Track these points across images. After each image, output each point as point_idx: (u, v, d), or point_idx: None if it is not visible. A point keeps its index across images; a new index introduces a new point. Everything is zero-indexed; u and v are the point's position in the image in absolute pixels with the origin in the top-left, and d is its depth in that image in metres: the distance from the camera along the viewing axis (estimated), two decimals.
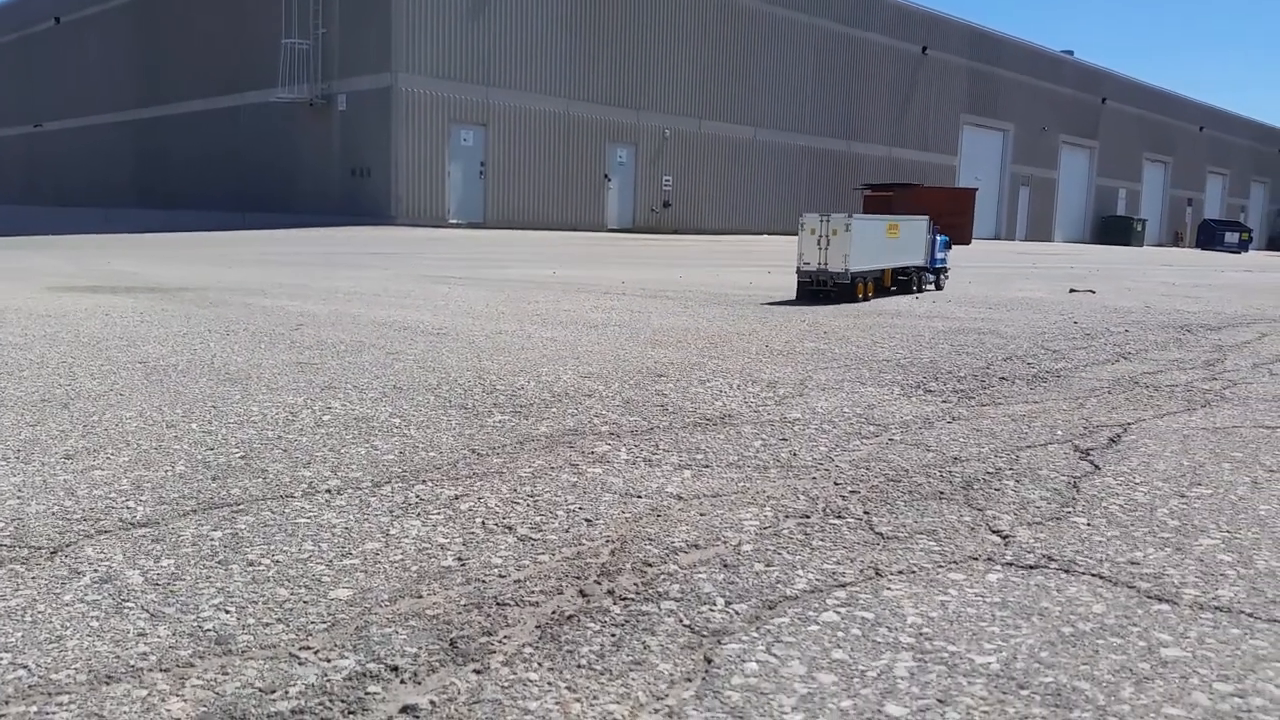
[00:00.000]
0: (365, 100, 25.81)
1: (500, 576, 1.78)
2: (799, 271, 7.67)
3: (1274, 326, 6.56)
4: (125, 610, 1.60)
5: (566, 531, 2.03)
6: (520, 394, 3.47)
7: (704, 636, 1.54)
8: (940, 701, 1.35)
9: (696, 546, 1.95)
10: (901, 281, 8.49)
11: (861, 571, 1.83)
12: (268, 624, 1.56)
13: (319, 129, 27.30)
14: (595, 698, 1.35)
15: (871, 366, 4.28)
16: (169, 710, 1.30)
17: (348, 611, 1.61)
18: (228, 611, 1.61)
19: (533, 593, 1.70)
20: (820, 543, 1.98)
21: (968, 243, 26.56)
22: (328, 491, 2.27)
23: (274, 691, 1.35)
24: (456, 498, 2.25)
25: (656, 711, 1.31)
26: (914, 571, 1.84)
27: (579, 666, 1.44)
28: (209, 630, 1.54)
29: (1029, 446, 2.85)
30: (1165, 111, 54.87)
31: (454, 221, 26.34)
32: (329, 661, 1.44)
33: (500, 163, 27.33)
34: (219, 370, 3.83)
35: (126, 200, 34.86)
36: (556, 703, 1.33)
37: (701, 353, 4.58)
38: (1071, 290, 9.83)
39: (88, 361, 3.97)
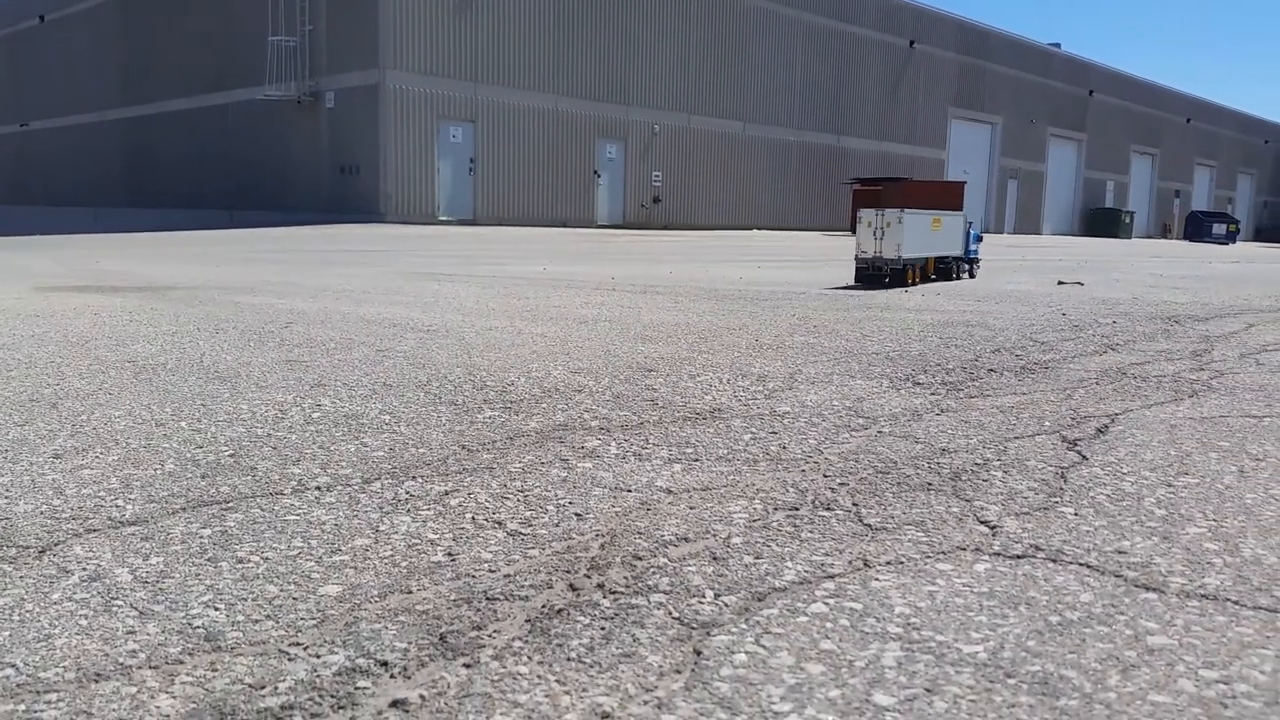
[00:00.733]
0: (353, 97, 25.74)
1: (490, 571, 1.78)
2: (856, 259, 8.75)
3: (1261, 317, 6.59)
4: (114, 608, 1.60)
5: (556, 526, 2.03)
6: (510, 390, 3.47)
7: (693, 629, 1.55)
8: (928, 691, 1.36)
9: (686, 539, 1.95)
10: (941, 270, 9.56)
11: (850, 563, 1.84)
12: (257, 621, 1.56)
13: (307, 126, 27.22)
14: (584, 690, 1.35)
15: (860, 360, 4.29)
16: (158, 707, 1.30)
17: (337, 608, 1.62)
18: (217, 609, 1.61)
19: (522, 587, 1.70)
20: (809, 535, 1.99)
21: None
22: (317, 488, 2.27)
23: (263, 688, 1.35)
24: (446, 493, 2.25)
25: (645, 703, 1.32)
26: (902, 562, 1.85)
27: (568, 659, 1.44)
28: (198, 627, 1.53)
29: (1017, 438, 2.86)
30: (1152, 104, 55.05)
31: (444, 218, 26.29)
32: (318, 657, 1.44)
33: (489, 159, 27.29)
34: (208, 369, 3.82)
35: (115, 199, 34.72)
36: (546, 695, 1.34)
37: (692, 347, 4.59)
38: (1060, 282, 9.86)
39: (76, 361, 3.95)
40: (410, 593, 1.68)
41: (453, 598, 1.66)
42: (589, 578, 1.75)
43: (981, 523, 2.08)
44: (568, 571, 1.78)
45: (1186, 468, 2.56)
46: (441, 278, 8.89)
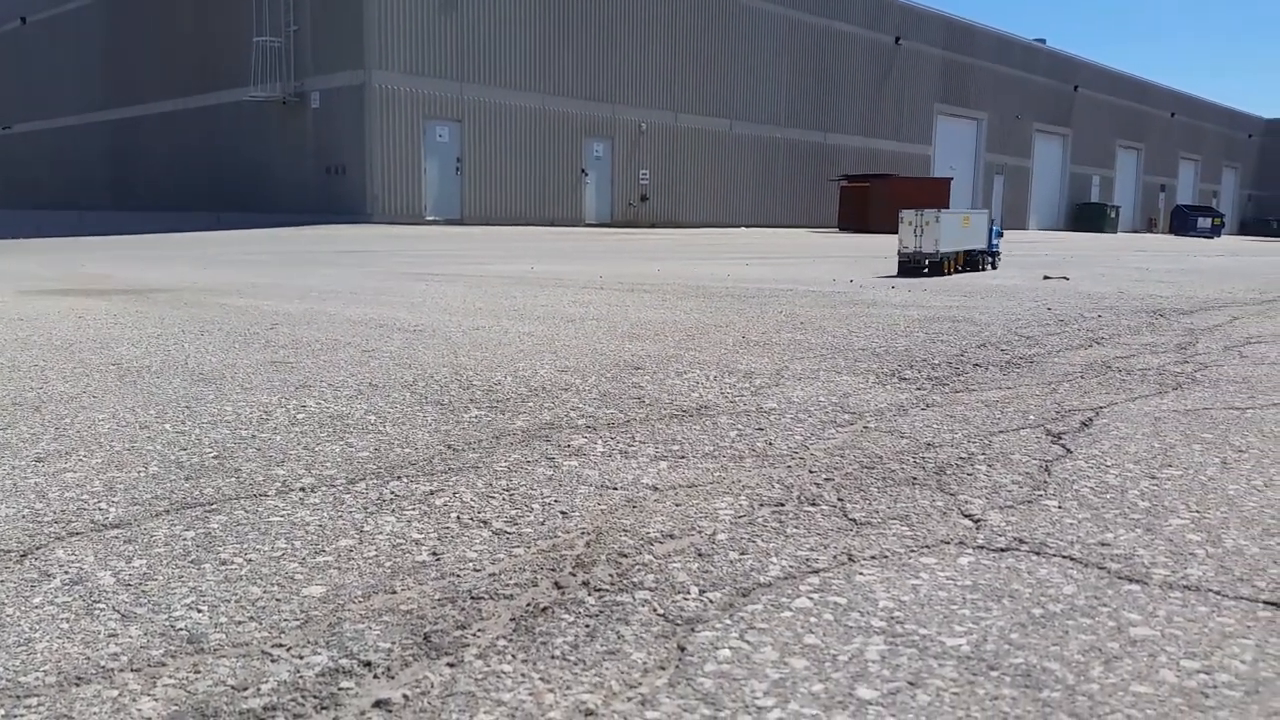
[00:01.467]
0: (339, 97, 25.66)
1: (475, 570, 1.78)
2: (899, 253, 10.00)
3: (1245, 310, 6.63)
4: (96, 611, 1.59)
5: (542, 524, 2.03)
6: (497, 389, 3.47)
7: (678, 625, 1.55)
8: (911, 684, 1.36)
9: (671, 536, 1.95)
10: (970, 261, 10.67)
11: (835, 557, 1.84)
12: (240, 622, 1.56)
13: (293, 127, 27.13)
14: (569, 688, 1.35)
15: (847, 356, 4.30)
16: (140, 710, 1.29)
17: (321, 608, 1.61)
18: (200, 610, 1.60)
19: (507, 586, 1.70)
20: (794, 530, 1.99)
21: None
22: (301, 489, 2.26)
23: (246, 689, 1.35)
24: (431, 493, 2.24)
25: (629, 700, 1.32)
26: (886, 556, 1.85)
27: (553, 657, 1.44)
28: (181, 630, 1.53)
29: (1001, 431, 2.87)
30: (1137, 98, 55.30)
31: (431, 218, 26.24)
32: (302, 658, 1.44)
33: (476, 159, 27.24)
34: (193, 371, 3.81)
35: (101, 202, 34.54)
36: (530, 693, 1.34)
37: (679, 345, 4.59)
38: (1045, 277, 9.89)
39: (60, 364, 3.93)
40: (394, 593, 1.67)
41: (437, 597, 1.65)
42: (574, 575, 1.75)
43: (965, 516, 2.09)
44: (553, 570, 1.78)
45: (1170, 460, 2.57)
46: (428, 278, 8.87)
